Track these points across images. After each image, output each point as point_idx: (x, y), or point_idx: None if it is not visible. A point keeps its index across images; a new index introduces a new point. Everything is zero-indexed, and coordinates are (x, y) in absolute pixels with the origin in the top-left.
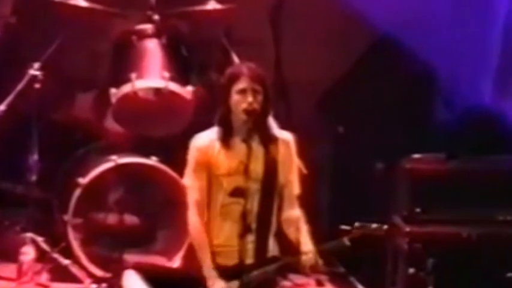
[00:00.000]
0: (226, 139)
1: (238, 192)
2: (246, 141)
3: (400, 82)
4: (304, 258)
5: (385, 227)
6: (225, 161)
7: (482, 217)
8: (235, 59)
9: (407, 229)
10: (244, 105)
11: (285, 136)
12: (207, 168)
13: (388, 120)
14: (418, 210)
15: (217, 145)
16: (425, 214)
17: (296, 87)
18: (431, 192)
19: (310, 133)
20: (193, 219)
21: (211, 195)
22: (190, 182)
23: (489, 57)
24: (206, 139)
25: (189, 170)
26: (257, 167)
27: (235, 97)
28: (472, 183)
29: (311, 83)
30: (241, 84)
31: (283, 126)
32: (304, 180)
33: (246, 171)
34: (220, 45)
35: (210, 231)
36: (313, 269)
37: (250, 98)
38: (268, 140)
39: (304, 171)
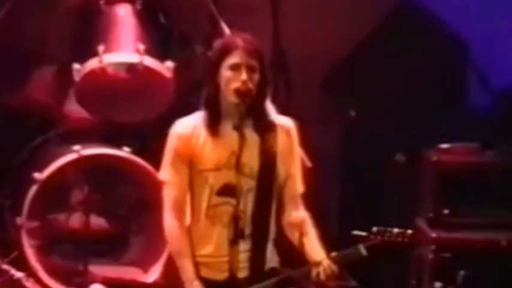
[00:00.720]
0: (213, 126)
1: (228, 191)
2: (238, 128)
3: (425, 57)
4: (316, 269)
5: (410, 232)
6: (211, 152)
7: None
8: (225, 29)
9: (434, 235)
10: (236, 84)
11: (285, 122)
12: (188, 161)
13: (410, 103)
14: (446, 211)
15: (202, 133)
16: (455, 216)
17: (298, 63)
18: (462, 190)
19: (316, 118)
20: (170, 221)
21: (194, 195)
22: (168, 177)
23: None
24: (189, 126)
25: (166, 162)
26: (251, 160)
27: (226, 73)
28: None
29: (316, 57)
30: (234, 59)
31: (283, 110)
32: (308, 175)
33: (237, 165)
34: (207, 12)
35: (193, 239)
36: (326, 283)
37: (244, 76)
38: (265, 128)
39: (308, 164)
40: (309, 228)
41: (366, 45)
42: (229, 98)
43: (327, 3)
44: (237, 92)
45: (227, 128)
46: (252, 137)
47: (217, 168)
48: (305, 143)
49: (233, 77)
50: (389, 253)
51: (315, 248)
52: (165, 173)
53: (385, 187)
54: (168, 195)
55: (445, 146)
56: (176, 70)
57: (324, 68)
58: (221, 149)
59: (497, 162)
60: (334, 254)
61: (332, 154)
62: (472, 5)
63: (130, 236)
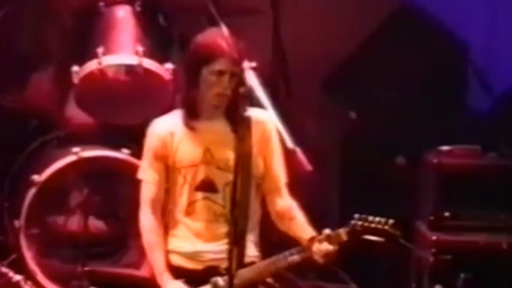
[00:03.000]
0: (191, 123)
1: (206, 186)
2: (214, 125)
3: (425, 59)
4: (314, 249)
5: (392, 221)
6: (188, 149)
7: None
8: (225, 31)
9: (434, 237)
10: (218, 90)
11: (261, 116)
12: (165, 159)
13: (410, 105)
14: (447, 214)
15: (178, 131)
16: (456, 219)
17: (299, 64)
18: (463, 193)
19: (316, 120)
20: (145, 216)
21: (174, 192)
22: (147, 176)
23: None
24: (166, 125)
25: (145, 162)
26: (228, 155)
27: (209, 77)
28: None
29: (317, 59)
30: (219, 66)
31: (283, 110)
32: (308, 177)
33: (214, 160)
34: (207, 13)
35: (175, 235)
36: (327, 258)
37: (227, 83)
38: (239, 122)
39: (309, 167)
40: (295, 213)
41: (366, 47)
42: (208, 99)
43: (327, 4)
44: (219, 97)
45: (203, 126)
46: (226, 131)
47: (195, 165)
48: (306, 144)
49: (216, 82)
50: (370, 245)
51: (305, 229)
52: (144, 173)
53: (386, 190)
54: (146, 193)
55: (446, 148)
56: (176, 72)
57: (324, 70)
58: (197, 146)
59: (498, 165)
60: (326, 230)
61: (332, 156)
62: (474, 8)
63: (129, 238)
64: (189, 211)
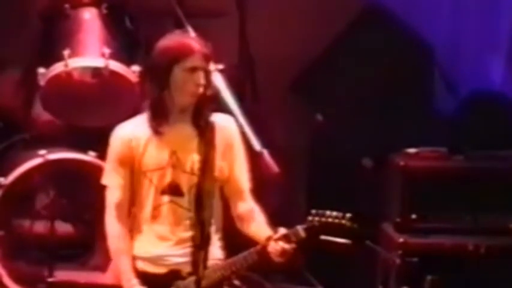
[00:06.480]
0: (157, 128)
1: (172, 189)
2: (180, 128)
3: (391, 61)
4: (270, 248)
5: (349, 215)
6: (153, 153)
7: (492, 225)
8: (191, 34)
9: (401, 239)
10: (192, 87)
11: (223, 120)
12: (130, 164)
13: (377, 107)
14: (414, 216)
15: (143, 135)
16: (422, 221)
17: (265, 66)
18: (430, 195)
19: (282, 122)
20: (111, 222)
21: (140, 196)
22: (111, 181)
23: (499, 33)
24: (129, 129)
25: (109, 167)
26: (193, 158)
27: (181, 75)
28: (480, 184)
29: (284, 60)
30: (191, 62)
31: (250, 113)
32: (275, 178)
33: (180, 164)
34: (173, 15)
35: (141, 238)
36: (285, 257)
37: (202, 80)
38: (203, 126)
39: (276, 169)
40: (256, 216)
41: (333, 49)
42: (182, 99)
43: (294, 6)
44: (194, 95)
45: (167, 129)
46: (192, 134)
47: (160, 168)
48: (272, 147)
49: (189, 79)
50: (330, 234)
51: (263, 230)
52: (109, 178)
53: (353, 191)
54: (111, 198)
55: (412, 150)
56: (142, 74)
57: (291, 72)
58: (163, 150)
59: (464, 167)
60: (282, 229)
61: (299, 158)
62: (439, 11)
63: (95, 241)
64: (155, 215)
